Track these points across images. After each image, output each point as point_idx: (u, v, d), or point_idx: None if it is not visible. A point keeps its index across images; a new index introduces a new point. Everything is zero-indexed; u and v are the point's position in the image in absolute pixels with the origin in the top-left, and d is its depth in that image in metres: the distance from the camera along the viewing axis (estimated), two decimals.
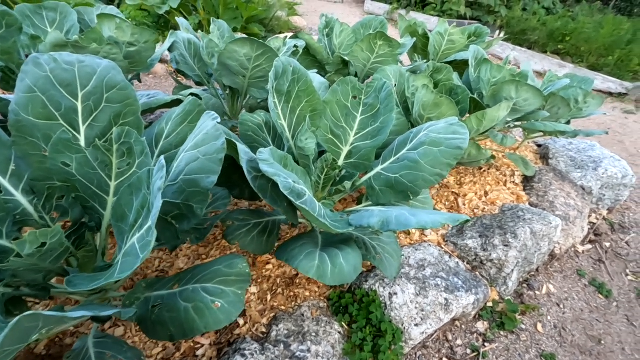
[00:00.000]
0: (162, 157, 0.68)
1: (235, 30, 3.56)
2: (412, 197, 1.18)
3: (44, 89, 0.88)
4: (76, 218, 0.92)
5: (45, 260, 0.76)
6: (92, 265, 0.92)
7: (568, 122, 2.19)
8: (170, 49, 1.71)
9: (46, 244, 0.72)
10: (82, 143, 0.94)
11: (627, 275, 1.86)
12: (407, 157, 1.20)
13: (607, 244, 2.04)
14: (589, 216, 2.15)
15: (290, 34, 4.05)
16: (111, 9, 1.64)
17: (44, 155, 0.90)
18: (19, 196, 0.91)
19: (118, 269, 0.68)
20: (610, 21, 5.67)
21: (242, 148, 0.92)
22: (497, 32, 6.38)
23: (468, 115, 1.81)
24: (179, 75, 2.14)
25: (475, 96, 1.86)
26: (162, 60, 3.30)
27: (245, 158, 0.91)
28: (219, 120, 0.83)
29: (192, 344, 1.07)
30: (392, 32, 5.72)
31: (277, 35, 1.81)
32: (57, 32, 1.07)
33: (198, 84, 1.87)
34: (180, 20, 1.79)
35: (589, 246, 2.01)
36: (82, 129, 0.94)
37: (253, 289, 1.26)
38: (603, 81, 4.67)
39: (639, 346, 1.50)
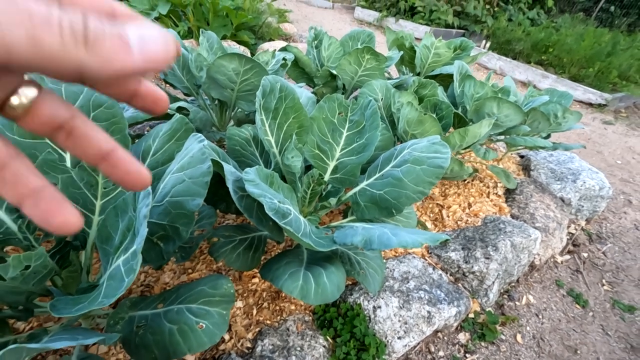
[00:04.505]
0: None
1: (224, 37, 3.57)
2: (395, 214, 1.21)
3: None
4: (60, 237, 0.92)
5: (29, 283, 0.76)
6: (76, 285, 0.92)
7: (548, 136, 2.26)
8: None
9: (30, 267, 0.72)
10: (68, 162, 0.94)
11: (603, 285, 1.93)
12: (391, 174, 1.23)
13: (585, 255, 2.11)
14: (568, 227, 2.22)
15: (280, 42, 4.07)
16: None
17: None
18: (2, 214, 0.91)
19: (102, 292, 0.69)
20: (591, 33, 5.86)
21: (228, 168, 0.93)
22: (484, 41, 6.52)
23: (452, 130, 1.86)
24: (167, 85, 2.13)
25: (459, 111, 1.92)
26: None
27: (231, 178, 0.93)
28: (205, 142, 0.85)
29: None
30: (381, 39, 5.80)
31: (267, 49, 1.83)
32: None
33: (186, 94, 1.88)
34: (168, 31, 1.79)
35: (568, 256, 2.07)
36: None
37: (239, 303, 1.27)
38: (584, 92, 4.82)
39: (612, 355, 1.56)
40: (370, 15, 7.44)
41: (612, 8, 8.61)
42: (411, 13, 7.25)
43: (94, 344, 1.09)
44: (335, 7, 8.21)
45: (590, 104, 4.81)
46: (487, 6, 7.17)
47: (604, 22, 8.99)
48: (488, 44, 6.35)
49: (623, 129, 4.28)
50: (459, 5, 7.02)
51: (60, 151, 0.90)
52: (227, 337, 1.16)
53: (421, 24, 6.86)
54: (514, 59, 5.84)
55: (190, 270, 1.35)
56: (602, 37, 5.86)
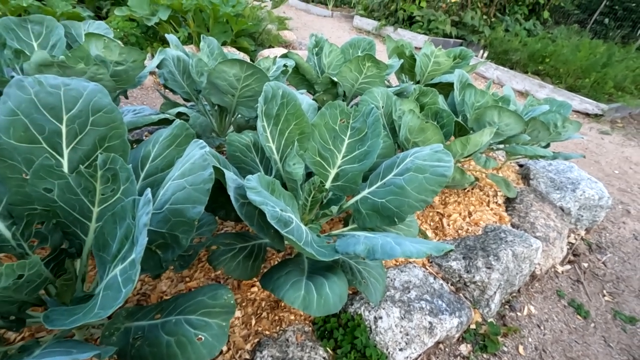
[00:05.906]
0: (148, 189, 0.67)
1: (224, 44, 3.57)
2: (397, 222, 1.19)
3: (27, 112, 0.86)
4: (56, 244, 0.89)
5: (22, 292, 0.73)
6: (71, 293, 0.89)
7: (548, 145, 2.27)
8: (159, 66, 1.70)
9: (23, 276, 0.70)
10: (65, 166, 0.92)
11: (604, 295, 1.92)
12: (393, 183, 1.21)
13: (585, 264, 2.10)
14: (568, 236, 2.22)
15: (279, 49, 4.08)
16: (98, 25, 1.63)
17: (23, 178, 0.88)
18: None
19: (98, 303, 0.66)
20: (587, 45, 5.93)
21: (229, 176, 0.92)
22: (481, 51, 6.58)
23: (453, 138, 1.86)
24: (166, 89, 2.12)
25: (460, 119, 1.91)
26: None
27: (232, 186, 0.91)
28: (207, 149, 0.83)
29: None
30: (380, 47, 5.84)
31: (268, 55, 1.83)
32: (43, 52, 1.06)
33: (186, 100, 1.86)
34: (169, 36, 1.78)
35: (568, 266, 2.06)
36: (66, 152, 0.92)
37: (237, 313, 1.24)
38: (580, 102, 4.86)
39: None
40: (369, 24, 7.50)
41: (606, 20, 8.74)
42: (409, 22, 7.32)
43: None
44: (334, 15, 8.28)
45: (587, 114, 4.85)
46: (485, 17, 7.25)
47: (598, 34, 9.11)
48: (485, 54, 6.41)
49: (620, 139, 4.31)
50: (457, 15, 7.10)
51: (57, 156, 0.88)
52: (225, 348, 1.13)
53: (419, 33, 6.92)
54: (511, 68, 5.89)
55: (188, 279, 1.32)
56: (598, 49, 5.93)
